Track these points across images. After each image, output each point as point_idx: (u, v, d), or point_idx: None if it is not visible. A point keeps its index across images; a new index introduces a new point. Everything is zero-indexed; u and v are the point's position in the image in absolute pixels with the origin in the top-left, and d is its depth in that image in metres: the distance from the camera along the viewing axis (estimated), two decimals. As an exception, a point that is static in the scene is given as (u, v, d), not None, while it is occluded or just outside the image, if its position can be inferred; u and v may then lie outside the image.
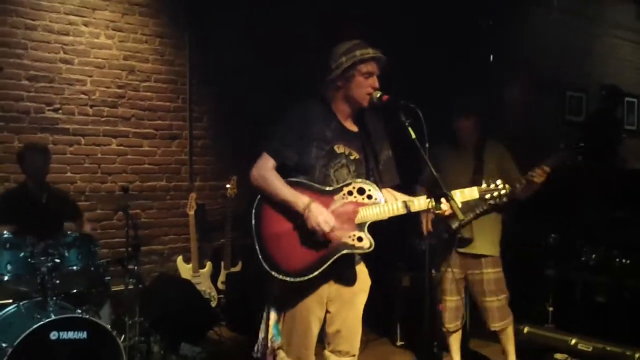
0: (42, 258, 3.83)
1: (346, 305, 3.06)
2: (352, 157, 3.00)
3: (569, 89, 8.16)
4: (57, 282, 3.88)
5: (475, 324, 4.95)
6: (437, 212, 2.80)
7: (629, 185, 5.54)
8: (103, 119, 5.59)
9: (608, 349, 4.23)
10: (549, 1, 7.54)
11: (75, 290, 4.09)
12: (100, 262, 4.27)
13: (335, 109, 3.01)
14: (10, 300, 3.90)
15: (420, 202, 2.90)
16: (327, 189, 2.91)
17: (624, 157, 6.97)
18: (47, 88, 5.30)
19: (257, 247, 2.84)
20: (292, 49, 6.03)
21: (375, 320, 4.67)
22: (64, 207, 4.83)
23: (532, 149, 4.40)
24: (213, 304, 5.64)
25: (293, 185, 2.89)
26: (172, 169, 6.02)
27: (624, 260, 4.94)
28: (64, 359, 3.55)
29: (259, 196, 2.92)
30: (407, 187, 3.23)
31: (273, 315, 3.03)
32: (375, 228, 2.90)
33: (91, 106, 5.52)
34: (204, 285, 5.69)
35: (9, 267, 3.82)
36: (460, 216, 2.77)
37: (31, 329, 3.44)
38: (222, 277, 5.83)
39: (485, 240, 4.17)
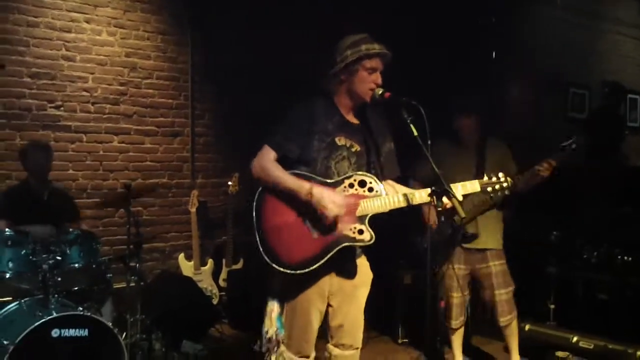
0: (44, 255, 3.84)
1: (348, 298, 3.07)
2: (353, 150, 3.01)
3: (571, 86, 8.15)
4: (59, 279, 3.89)
5: (477, 321, 4.96)
6: (439, 208, 2.80)
7: (631, 182, 5.52)
8: (105, 116, 5.58)
9: (609, 346, 4.24)
10: (551, -1, 7.54)
11: (76, 288, 4.10)
12: (101, 260, 4.28)
13: (338, 102, 3.02)
14: (12, 298, 3.90)
15: (421, 195, 2.90)
16: (328, 181, 2.92)
17: (626, 154, 6.95)
18: (49, 85, 5.30)
19: (257, 239, 2.85)
20: (293, 49, 6.03)
21: (377, 317, 4.67)
22: (64, 205, 4.83)
23: (535, 147, 4.39)
24: (215, 301, 5.65)
25: (294, 176, 2.89)
26: (174, 167, 6.01)
27: (625, 258, 4.93)
28: (65, 357, 3.55)
29: (259, 190, 2.92)
30: (404, 182, 3.23)
31: (276, 308, 3.03)
32: (377, 225, 2.90)
33: (93, 103, 5.52)
34: (206, 282, 5.69)
35: (10, 264, 3.83)
36: (462, 213, 2.77)
37: (33, 326, 3.44)
38: (223, 275, 5.83)
39: (490, 234, 4.21)
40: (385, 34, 3.04)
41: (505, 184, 3.01)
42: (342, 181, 2.92)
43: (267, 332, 3.04)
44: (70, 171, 5.44)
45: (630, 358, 4.11)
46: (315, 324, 3.02)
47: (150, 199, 5.85)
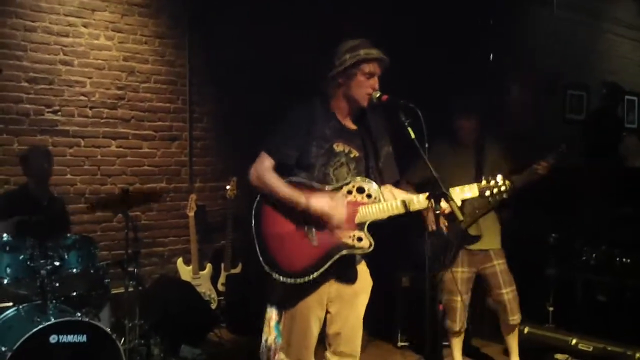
0: (42, 261, 3.83)
1: (347, 305, 3.06)
2: (351, 155, 3.01)
3: (569, 87, 8.15)
4: (57, 285, 3.88)
5: (476, 324, 4.95)
6: (437, 211, 2.79)
7: (630, 183, 5.52)
8: (103, 120, 5.57)
9: (609, 348, 4.23)
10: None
11: (75, 293, 4.09)
12: (100, 265, 4.27)
13: (335, 106, 3.01)
14: (10, 304, 3.91)
15: (420, 200, 2.89)
16: (327, 187, 2.91)
17: (624, 155, 6.94)
18: (46, 90, 5.28)
19: (257, 248, 2.85)
20: (292, 50, 6.02)
21: (376, 321, 4.65)
22: (62, 213, 4.82)
23: (533, 148, 4.40)
24: (213, 305, 5.63)
25: (292, 184, 2.89)
26: (172, 171, 6.00)
27: (624, 260, 4.92)
28: (63, 363, 3.54)
29: (258, 197, 2.92)
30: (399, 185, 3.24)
31: (274, 316, 3.03)
32: (376, 228, 2.90)
33: (91, 108, 5.51)
34: (204, 287, 5.68)
35: (8, 270, 3.81)
36: (460, 216, 2.77)
37: (31, 332, 3.44)
38: (222, 279, 5.82)
39: (491, 234, 4.25)
40: (385, 34, 3.05)
41: (503, 188, 3.00)
42: (340, 188, 2.92)
43: (266, 340, 3.04)
44: (69, 176, 5.43)
45: (630, 360, 4.11)
46: (315, 330, 3.01)
47: (149, 203, 5.83)
